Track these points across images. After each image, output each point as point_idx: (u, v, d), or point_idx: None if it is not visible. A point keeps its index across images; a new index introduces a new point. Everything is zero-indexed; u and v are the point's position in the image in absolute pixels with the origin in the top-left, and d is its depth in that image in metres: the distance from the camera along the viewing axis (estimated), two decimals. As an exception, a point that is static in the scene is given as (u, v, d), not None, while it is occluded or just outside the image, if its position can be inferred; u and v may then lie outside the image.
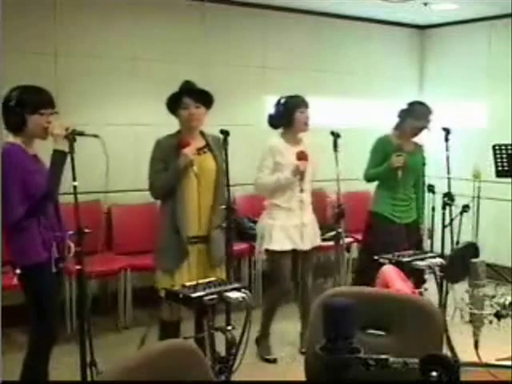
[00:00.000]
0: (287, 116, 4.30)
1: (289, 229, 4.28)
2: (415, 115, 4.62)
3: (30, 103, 3.23)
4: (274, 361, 4.37)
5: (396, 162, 4.50)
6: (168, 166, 3.66)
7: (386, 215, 4.64)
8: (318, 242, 4.46)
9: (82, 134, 3.19)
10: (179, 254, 3.65)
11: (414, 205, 4.75)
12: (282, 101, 4.34)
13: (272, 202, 4.34)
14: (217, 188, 3.73)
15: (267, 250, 4.35)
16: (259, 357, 4.39)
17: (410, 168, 4.59)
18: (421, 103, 4.75)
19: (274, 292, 4.47)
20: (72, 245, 3.33)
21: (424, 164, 4.70)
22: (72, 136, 3.16)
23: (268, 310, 4.45)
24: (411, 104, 4.72)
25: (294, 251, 4.34)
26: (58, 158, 3.17)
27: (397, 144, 4.64)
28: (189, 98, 3.67)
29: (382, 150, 4.63)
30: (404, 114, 4.68)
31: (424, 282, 3.99)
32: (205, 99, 3.72)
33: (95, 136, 3.17)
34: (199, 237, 3.71)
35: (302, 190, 4.25)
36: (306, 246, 4.33)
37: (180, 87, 3.73)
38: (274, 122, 4.38)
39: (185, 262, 3.65)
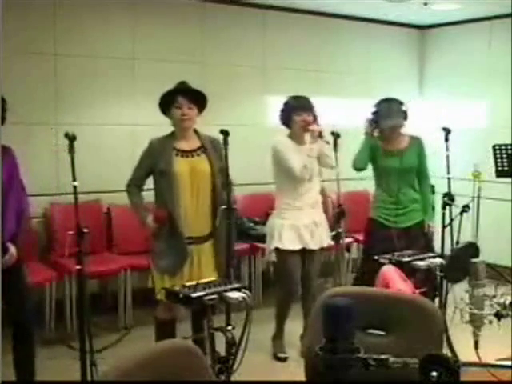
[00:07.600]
0: (286, 118, 4.32)
1: (299, 228, 4.25)
2: (383, 115, 4.44)
3: None
4: (285, 359, 4.37)
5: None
6: (156, 166, 3.67)
7: (380, 220, 4.49)
8: (327, 241, 4.37)
9: None
10: (179, 255, 3.66)
11: (415, 206, 4.54)
12: (284, 102, 4.36)
13: (282, 201, 4.31)
14: (214, 190, 3.72)
15: (277, 250, 4.30)
16: (269, 355, 4.41)
17: (401, 169, 4.43)
18: (387, 101, 4.53)
19: (282, 293, 4.44)
20: (12, 248, 3.21)
21: (424, 158, 4.58)
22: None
23: (279, 311, 4.43)
24: (377, 104, 4.54)
25: (302, 251, 4.31)
26: None
27: (381, 147, 4.50)
28: (183, 97, 3.67)
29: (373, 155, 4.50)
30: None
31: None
32: (198, 100, 3.73)
33: None
34: (196, 238, 3.71)
35: (311, 189, 4.26)
36: (315, 245, 4.31)
37: (175, 86, 3.73)
38: (280, 121, 4.39)
39: (185, 262, 3.66)
